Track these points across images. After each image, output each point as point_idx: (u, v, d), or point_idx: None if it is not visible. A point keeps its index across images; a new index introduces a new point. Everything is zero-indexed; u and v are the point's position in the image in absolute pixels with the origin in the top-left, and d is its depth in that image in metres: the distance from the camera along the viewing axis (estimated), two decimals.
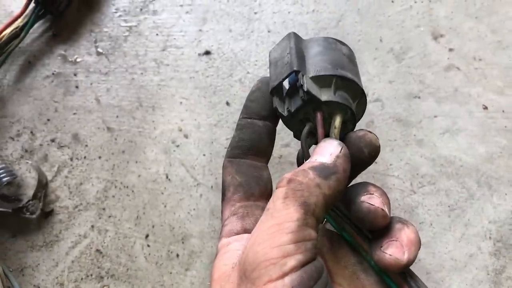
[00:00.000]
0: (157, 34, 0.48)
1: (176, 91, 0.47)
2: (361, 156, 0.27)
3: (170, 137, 0.45)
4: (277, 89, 0.28)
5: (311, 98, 0.26)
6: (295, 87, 0.27)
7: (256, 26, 0.48)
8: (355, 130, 0.28)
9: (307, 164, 0.25)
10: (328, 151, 0.25)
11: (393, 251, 0.24)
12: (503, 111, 0.45)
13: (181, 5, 0.49)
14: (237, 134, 0.29)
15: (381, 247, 0.24)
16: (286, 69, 0.27)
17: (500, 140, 0.44)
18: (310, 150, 0.27)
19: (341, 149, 0.25)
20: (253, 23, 0.49)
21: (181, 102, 0.46)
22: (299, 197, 0.23)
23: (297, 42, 0.29)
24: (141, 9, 0.49)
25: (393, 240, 0.24)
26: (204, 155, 0.45)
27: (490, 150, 0.44)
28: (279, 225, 0.22)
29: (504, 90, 0.45)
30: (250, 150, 0.29)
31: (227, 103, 0.46)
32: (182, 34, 0.48)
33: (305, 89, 0.26)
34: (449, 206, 0.43)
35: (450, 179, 0.43)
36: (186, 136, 0.45)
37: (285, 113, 0.28)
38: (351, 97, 0.28)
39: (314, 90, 0.26)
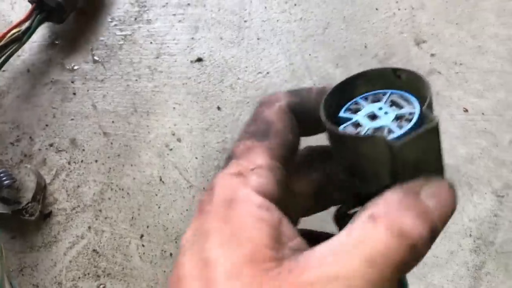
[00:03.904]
0: (151, 42, 0.50)
1: (169, 97, 0.48)
2: None
3: (163, 141, 0.47)
4: None
5: None
6: None
7: (246, 34, 0.50)
8: None
9: None
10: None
11: None
12: (483, 113, 0.47)
13: (174, 14, 0.51)
14: None
15: None
16: None
17: (480, 142, 0.46)
18: None
19: None
20: (243, 31, 0.51)
21: (174, 108, 0.48)
22: None
23: None
24: (135, 19, 0.51)
25: None
26: (196, 158, 0.47)
27: (470, 151, 0.46)
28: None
29: (484, 93, 0.47)
30: None
31: (218, 108, 0.48)
32: (175, 42, 0.50)
33: None
34: None
35: None
36: (179, 140, 0.47)
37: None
38: None
39: None
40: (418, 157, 0.20)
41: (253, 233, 0.19)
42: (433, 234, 0.19)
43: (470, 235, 0.44)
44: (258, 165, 0.21)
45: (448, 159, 0.46)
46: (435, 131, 0.19)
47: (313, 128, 0.23)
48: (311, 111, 0.22)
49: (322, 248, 0.18)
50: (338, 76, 0.49)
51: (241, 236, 0.19)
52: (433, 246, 0.46)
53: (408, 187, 0.20)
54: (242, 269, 0.18)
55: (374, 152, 0.20)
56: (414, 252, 0.18)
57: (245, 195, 0.20)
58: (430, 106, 0.20)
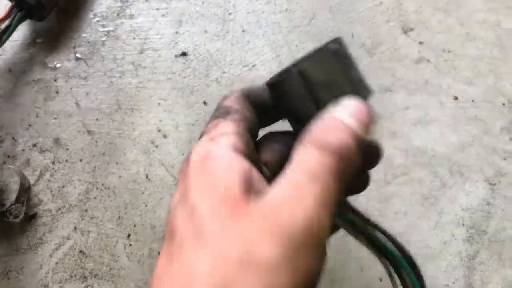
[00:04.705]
0: (134, 38, 0.49)
1: (154, 93, 0.48)
2: None
3: (149, 137, 0.46)
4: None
5: None
6: None
7: (231, 27, 0.49)
8: None
9: None
10: None
11: None
12: (472, 100, 0.46)
13: (157, 9, 0.50)
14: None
15: None
16: None
17: (470, 129, 0.45)
18: None
19: None
20: (228, 23, 0.50)
21: (159, 103, 0.47)
22: None
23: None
24: (118, 14, 0.50)
25: None
26: (183, 154, 0.46)
27: (461, 139, 0.45)
28: None
29: (473, 80, 0.47)
30: None
31: (204, 103, 0.47)
32: (159, 36, 0.49)
33: None
34: (422, 195, 0.44)
35: (423, 168, 0.44)
36: (165, 136, 0.46)
37: None
38: None
39: None
40: (327, 77, 0.25)
41: (225, 180, 0.22)
42: (360, 143, 0.23)
43: (463, 225, 0.43)
44: (226, 131, 0.25)
45: (439, 147, 0.45)
46: (330, 53, 0.26)
47: (267, 117, 0.28)
48: (262, 97, 0.28)
49: (276, 187, 0.22)
50: None
51: (215, 183, 0.22)
52: (426, 237, 0.45)
53: (327, 114, 0.24)
54: (219, 209, 0.22)
55: (292, 85, 0.25)
56: (345, 160, 0.22)
57: (217, 151, 0.24)
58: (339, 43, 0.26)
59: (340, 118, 0.23)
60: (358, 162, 0.23)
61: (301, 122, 0.26)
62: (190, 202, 0.23)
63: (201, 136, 0.26)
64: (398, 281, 0.28)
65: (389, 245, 0.32)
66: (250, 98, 0.28)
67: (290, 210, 0.20)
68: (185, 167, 0.24)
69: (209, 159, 0.23)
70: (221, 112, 0.26)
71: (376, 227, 0.30)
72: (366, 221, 0.30)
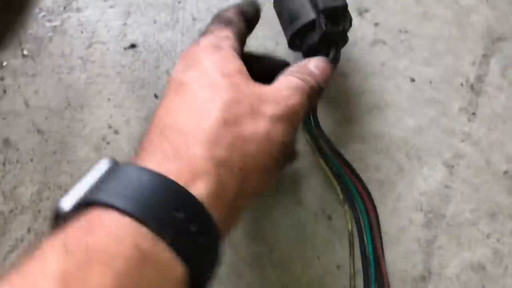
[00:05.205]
0: (81, 32, 0.48)
1: (103, 88, 0.46)
2: None
3: (100, 134, 0.45)
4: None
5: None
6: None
7: (180, 15, 0.48)
8: None
9: None
10: None
11: None
12: (430, 82, 0.45)
13: (105, 0, 0.49)
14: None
15: None
16: None
17: (428, 112, 0.44)
18: None
19: None
20: (178, 12, 0.48)
21: (109, 98, 0.46)
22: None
23: None
24: (64, 7, 0.49)
25: None
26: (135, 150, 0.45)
27: (418, 122, 0.44)
28: None
29: (430, 61, 0.45)
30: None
31: (156, 96, 0.46)
32: (107, 29, 0.48)
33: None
34: (379, 181, 0.43)
35: (380, 154, 0.43)
36: (116, 132, 0.45)
37: None
38: None
39: None
40: None
41: (236, 63, 0.30)
42: (319, 86, 0.33)
43: (421, 209, 0.42)
44: (229, 36, 0.32)
45: (395, 132, 0.44)
46: None
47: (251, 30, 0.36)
48: (252, 13, 0.35)
49: (274, 84, 0.31)
50: (279, 53, 0.46)
51: (227, 62, 0.30)
52: (384, 223, 0.44)
53: (304, 62, 0.34)
54: (235, 74, 0.29)
55: None
56: (311, 90, 0.32)
57: (225, 46, 0.31)
58: None
59: (310, 68, 0.33)
60: (317, 93, 0.33)
61: (297, 19, 0.37)
62: (204, 67, 0.29)
63: (205, 32, 0.33)
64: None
65: (344, 174, 0.40)
66: (243, 13, 0.35)
67: (285, 96, 0.30)
68: (194, 47, 0.31)
69: (220, 48, 0.30)
70: (223, 21, 0.33)
71: (337, 154, 0.40)
72: (330, 146, 0.40)
